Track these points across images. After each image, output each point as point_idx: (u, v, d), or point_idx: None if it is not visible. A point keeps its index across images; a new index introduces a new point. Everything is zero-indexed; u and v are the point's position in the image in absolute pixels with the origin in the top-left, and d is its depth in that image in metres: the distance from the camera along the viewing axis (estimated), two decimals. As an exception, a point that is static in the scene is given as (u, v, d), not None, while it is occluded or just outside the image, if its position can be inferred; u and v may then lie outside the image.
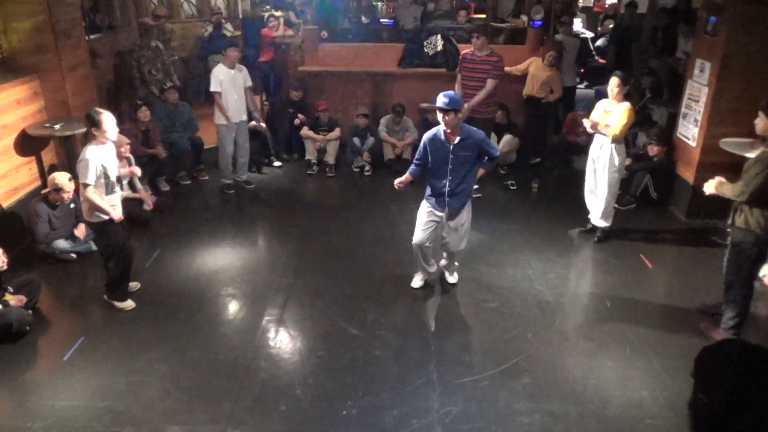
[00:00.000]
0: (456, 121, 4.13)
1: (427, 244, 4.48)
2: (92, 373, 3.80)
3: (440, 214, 4.40)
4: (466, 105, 6.00)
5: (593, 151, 5.25)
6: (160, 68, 7.65)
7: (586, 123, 5.18)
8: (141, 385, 3.70)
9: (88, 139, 4.13)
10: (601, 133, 5.10)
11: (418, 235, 4.44)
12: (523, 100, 7.31)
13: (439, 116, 4.15)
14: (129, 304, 4.51)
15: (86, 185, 4.03)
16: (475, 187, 6.46)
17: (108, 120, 4.06)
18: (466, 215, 4.47)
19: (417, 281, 4.76)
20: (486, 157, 4.33)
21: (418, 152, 4.38)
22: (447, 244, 4.55)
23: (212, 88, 6.14)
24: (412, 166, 4.42)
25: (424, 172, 4.39)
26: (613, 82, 4.99)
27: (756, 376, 1.62)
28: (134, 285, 4.71)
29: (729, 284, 3.99)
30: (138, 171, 5.00)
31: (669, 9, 8.47)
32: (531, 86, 7.05)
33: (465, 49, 6.45)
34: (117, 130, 4.18)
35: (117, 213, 4.20)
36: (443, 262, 4.82)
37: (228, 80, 6.14)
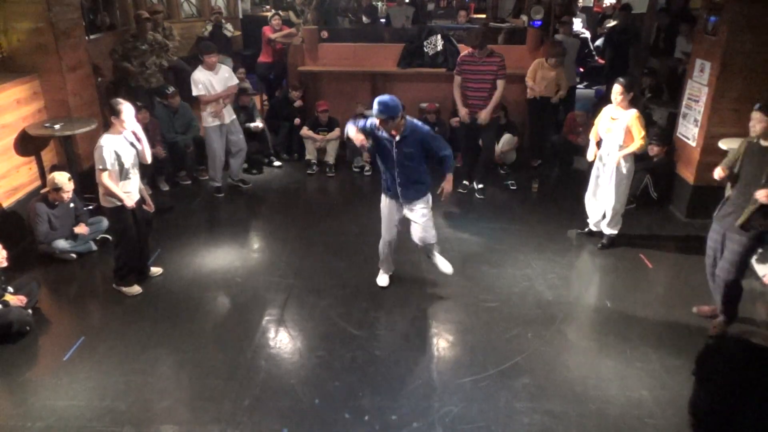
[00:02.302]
0: (397, 124, 4.04)
1: (395, 239, 4.56)
2: (92, 373, 3.80)
3: (397, 205, 4.39)
4: (482, 114, 6.02)
5: (600, 157, 5.17)
6: (154, 63, 7.63)
7: (590, 154, 5.18)
8: (141, 385, 3.70)
9: (107, 127, 4.36)
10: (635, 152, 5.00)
11: (385, 232, 4.52)
12: (524, 100, 7.31)
13: (376, 122, 4.05)
14: (135, 289, 4.62)
15: (101, 170, 4.23)
16: (480, 187, 6.50)
17: (127, 110, 4.27)
18: (421, 207, 4.33)
19: (384, 279, 4.75)
20: (438, 158, 4.20)
21: (367, 122, 4.19)
22: (416, 238, 4.45)
23: (194, 93, 6.04)
24: (360, 123, 4.19)
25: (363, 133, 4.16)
26: (616, 90, 4.86)
27: (757, 376, 1.63)
28: (156, 270, 4.87)
29: (734, 282, 3.98)
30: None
31: (672, 15, 8.45)
32: (538, 87, 6.99)
33: (465, 50, 6.45)
34: (135, 121, 4.37)
35: (129, 200, 4.38)
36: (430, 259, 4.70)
37: (209, 82, 6.02)
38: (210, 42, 6.77)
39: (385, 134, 4.14)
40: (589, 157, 5.26)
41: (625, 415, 3.47)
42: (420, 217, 4.35)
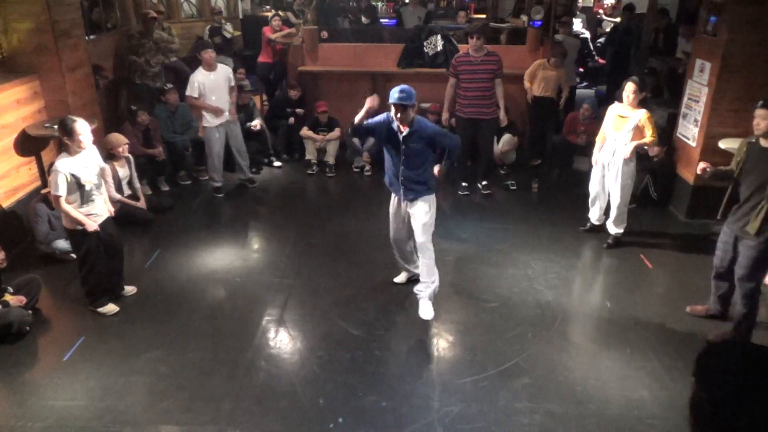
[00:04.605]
0: (408, 116, 4.06)
1: (402, 239, 4.50)
2: (92, 373, 3.80)
3: (402, 203, 4.35)
4: (502, 114, 6.16)
5: (604, 157, 5.15)
6: (159, 61, 7.65)
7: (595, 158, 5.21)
8: (141, 385, 3.70)
9: (62, 147, 4.02)
10: (645, 146, 5.06)
11: (391, 229, 4.51)
12: (522, 99, 7.31)
13: (393, 110, 4.05)
14: (111, 308, 4.40)
15: (57, 197, 3.96)
16: (484, 183, 6.52)
17: (82, 127, 3.93)
18: (423, 207, 4.25)
19: (400, 277, 4.78)
20: (445, 152, 4.28)
21: (371, 122, 4.21)
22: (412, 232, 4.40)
23: (188, 92, 6.04)
24: (363, 125, 4.23)
25: (366, 134, 4.48)
26: (629, 88, 4.86)
27: (757, 376, 1.63)
28: (130, 289, 4.64)
29: (755, 288, 3.89)
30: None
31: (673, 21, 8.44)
32: (539, 87, 6.98)
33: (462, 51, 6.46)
34: (92, 137, 4.05)
35: (92, 224, 4.12)
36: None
37: (207, 83, 6.03)
38: (206, 40, 6.85)
39: (395, 127, 4.14)
40: (594, 160, 5.29)
41: (625, 415, 3.47)
42: (420, 212, 4.25)
